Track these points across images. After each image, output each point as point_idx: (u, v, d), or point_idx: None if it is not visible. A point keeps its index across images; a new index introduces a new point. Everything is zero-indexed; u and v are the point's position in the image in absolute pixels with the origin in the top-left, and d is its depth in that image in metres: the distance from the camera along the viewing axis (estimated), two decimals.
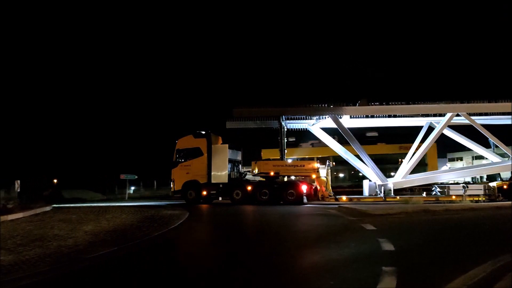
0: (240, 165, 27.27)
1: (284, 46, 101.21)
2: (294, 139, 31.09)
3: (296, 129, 30.13)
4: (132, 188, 44.03)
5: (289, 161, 28.43)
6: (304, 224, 15.12)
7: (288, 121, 28.82)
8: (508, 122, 27.44)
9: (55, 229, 12.79)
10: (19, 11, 68.53)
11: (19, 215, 16.33)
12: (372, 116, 28.29)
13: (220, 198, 25.21)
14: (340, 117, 28.19)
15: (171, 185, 26.33)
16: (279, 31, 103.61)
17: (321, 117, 28.63)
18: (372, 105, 27.62)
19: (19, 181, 22.88)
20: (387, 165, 38.05)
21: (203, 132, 25.75)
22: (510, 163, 26.67)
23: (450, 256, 8.20)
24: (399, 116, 28.42)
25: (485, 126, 27.82)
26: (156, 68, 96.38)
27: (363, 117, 28.59)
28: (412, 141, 29.49)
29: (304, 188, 23.95)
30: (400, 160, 41.75)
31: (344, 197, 25.61)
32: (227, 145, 25.56)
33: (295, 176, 25.43)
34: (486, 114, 27.51)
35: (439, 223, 14.33)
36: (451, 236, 11.34)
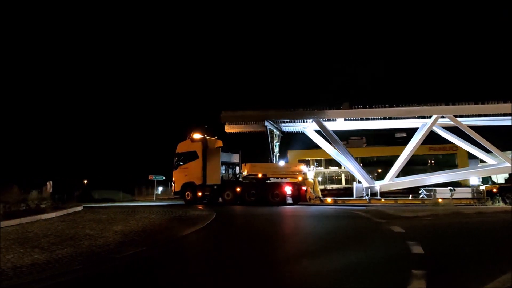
0: (236, 167, 28.10)
1: (284, 49, 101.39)
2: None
3: (293, 131, 30.70)
4: (160, 188, 44.64)
5: (282, 164, 29.14)
6: (331, 226, 14.98)
7: (283, 124, 29.39)
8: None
9: (86, 228, 13.09)
10: (19, 11, 70.43)
11: (52, 214, 16.76)
12: (368, 119, 28.31)
13: (220, 199, 26.23)
14: (334, 120, 28.76)
15: (172, 187, 27.80)
16: (278, 32, 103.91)
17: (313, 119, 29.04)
18: (354, 108, 27.93)
19: (51, 182, 23.51)
20: (416, 166, 37.27)
21: (200, 137, 27.10)
22: (502, 166, 26.17)
23: (483, 260, 8.00)
24: (394, 119, 28.48)
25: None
26: (163, 69, 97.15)
27: (359, 119, 28.57)
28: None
29: (288, 189, 24.92)
30: (429, 161, 40.98)
31: (329, 199, 26.47)
32: (220, 148, 26.83)
33: (282, 178, 26.05)
34: (473, 116, 27.15)
35: (471, 226, 13.98)
36: (484, 239, 11.04)
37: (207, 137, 27.42)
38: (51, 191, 22.46)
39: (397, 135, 36.94)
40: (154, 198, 35.33)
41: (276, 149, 30.24)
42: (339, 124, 29.18)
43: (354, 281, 6.55)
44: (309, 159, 33.06)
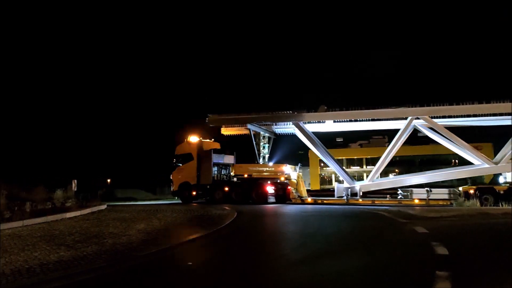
0: (230, 168, 29.11)
1: (280, 51, 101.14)
2: (341, 140, 30.89)
3: (285, 133, 31.10)
4: None
5: (270, 164, 29.92)
6: (354, 226, 14.88)
7: (276, 126, 30.12)
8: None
9: (110, 227, 13.31)
10: (19, 11, 71.60)
11: (77, 213, 17.10)
12: (356, 120, 28.60)
13: (216, 197, 27.20)
14: (324, 122, 29.21)
15: (171, 186, 29.20)
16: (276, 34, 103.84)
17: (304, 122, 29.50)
18: (331, 111, 28.43)
19: (75, 181, 23.94)
20: (441, 165, 36.53)
21: (196, 139, 28.47)
22: (482, 167, 25.64)
23: (510, 263, 7.81)
24: (381, 120, 28.71)
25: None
26: (171, 69, 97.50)
27: (347, 121, 28.94)
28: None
29: (270, 189, 26.31)
30: (453, 160, 40.11)
31: (309, 198, 27.31)
32: (211, 150, 27.95)
33: (266, 178, 27.03)
34: (450, 116, 26.93)
35: (497, 227, 13.66)
36: (511, 240, 10.79)
37: (203, 140, 28.78)
38: (75, 190, 22.85)
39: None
40: (176, 198, 35.61)
41: (265, 150, 31.14)
42: (328, 125, 29.61)
43: (377, 281, 6.49)
44: (355, 157, 32.74)
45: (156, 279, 7.05)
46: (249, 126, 29.49)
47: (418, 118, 27.27)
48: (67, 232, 12.12)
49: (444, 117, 27.15)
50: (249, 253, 9.31)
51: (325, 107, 28.48)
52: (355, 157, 35.23)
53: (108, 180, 46.98)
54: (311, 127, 29.63)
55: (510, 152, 24.64)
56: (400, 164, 40.21)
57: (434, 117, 27.02)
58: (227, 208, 21.09)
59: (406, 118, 27.35)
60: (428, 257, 8.17)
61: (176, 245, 10.06)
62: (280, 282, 6.65)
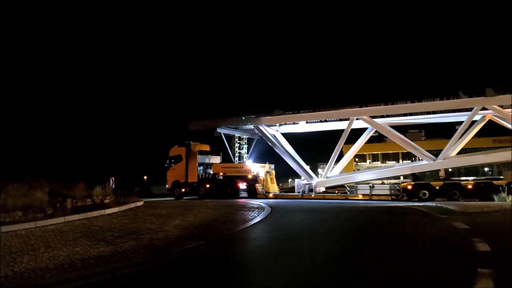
0: None
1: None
2: (377, 134, 30.45)
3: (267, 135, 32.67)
4: None
5: (240, 163, 32.94)
6: (393, 222, 14.62)
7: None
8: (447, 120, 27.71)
9: (147, 223, 13.60)
10: (19, 11, 73.07)
11: (115, 209, 17.55)
12: (326, 121, 30.62)
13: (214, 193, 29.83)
14: (297, 123, 31.84)
15: (166, 184, 32.32)
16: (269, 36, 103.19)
17: (281, 124, 32.31)
18: (285, 114, 30.80)
19: (113, 178, 24.57)
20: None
21: (186, 142, 31.83)
22: (424, 163, 26.30)
23: None
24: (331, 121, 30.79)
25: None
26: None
27: (318, 122, 31.12)
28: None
29: (241, 185, 29.83)
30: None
31: (271, 194, 30.02)
32: (197, 151, 31.43)
33: (237, 176, 30.46)
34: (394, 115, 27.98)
35: None
36: None
37: (192, 142, 32.06)
38: (113, 186, 23.44)
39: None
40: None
41: (243, 151, 34.43)
42: (301, 126, 32.20)
43: (414, 279, 6.34)
44: (365, 153, 32.30)
45: (191, 273, 7.16)
46: (218, 129, 32.34)
47: (358, 119, 28.71)
48: (106, 228, 12.46)
49: (386, 116, 28.31)
50: (287, 250, 9.29)
51: (280, 111, 30.89)
52: (390, 152, 34.26)
53: (145, 177, 47.96)
54: (287, 129, 32.81)
55: (446, 149, 25.49)
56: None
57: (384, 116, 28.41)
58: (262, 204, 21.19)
59: (348, 119, 28.92)
60: (469, 253, 7.94)
61: (211, 240, 10.15)
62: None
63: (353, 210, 18.92)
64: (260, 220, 14.46)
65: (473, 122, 26.82)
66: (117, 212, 17.15)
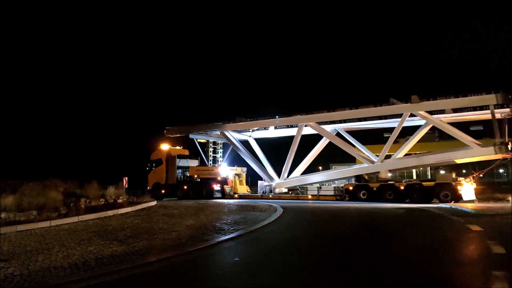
0: None
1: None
2: (389, 135, 30.48)
3: (241, 140, 34.37)
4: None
5: (211, 167, 34.40)
6: (406, 224, 14.53)
7: (232, 132, 33.39)
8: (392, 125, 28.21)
9: (159, 223, 13.69)
10: (19, 11, 73.68)
11: (128, 209, 17.68)
12: (292, 126, 31.84)
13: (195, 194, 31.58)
14: (267, 128, 33.22)
15: (147, 186, 33.41)
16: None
17: (254, 129, 34.03)
18: (246, 121, 32.63)
19: (126, 178, 24.78)
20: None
21: (166, 147, 33.59)
22: (367, 166, 27.63)
23: None
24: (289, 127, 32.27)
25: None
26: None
27: (284, 127, 32.60)
28: None
29: (215, 187, 31.58)
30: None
31: (236, 195, 31.77)
32: (176, 156, 33.07)
33: (209, 178, 32.04)
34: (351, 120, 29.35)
35: None
36: None
37: (171, 147, 33.86)
38: (126, 186, 23.63)
39: (472, 128, 34.64)
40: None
41: (218, 155, 36.59)
42: (271, 132, 33.64)
43: (434, 279, 6.29)
44: (412, 152, 32.73)
45: (204, 273, 7.19)
46: (190, 135, 34.41)
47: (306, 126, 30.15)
48: (119, 227, 12.56)
49: (332, 122, 29.92)
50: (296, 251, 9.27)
51: (242, 118, 32.78)
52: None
53: None
54: (259, 134, 34.56)
55: (382, 153, 27.16)
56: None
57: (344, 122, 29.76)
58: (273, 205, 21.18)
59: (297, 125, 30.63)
60: (483, 256, 7.85)
61: (223, 240, 10.17)
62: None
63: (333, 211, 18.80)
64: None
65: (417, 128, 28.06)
66: (130, 212, 17.27)
